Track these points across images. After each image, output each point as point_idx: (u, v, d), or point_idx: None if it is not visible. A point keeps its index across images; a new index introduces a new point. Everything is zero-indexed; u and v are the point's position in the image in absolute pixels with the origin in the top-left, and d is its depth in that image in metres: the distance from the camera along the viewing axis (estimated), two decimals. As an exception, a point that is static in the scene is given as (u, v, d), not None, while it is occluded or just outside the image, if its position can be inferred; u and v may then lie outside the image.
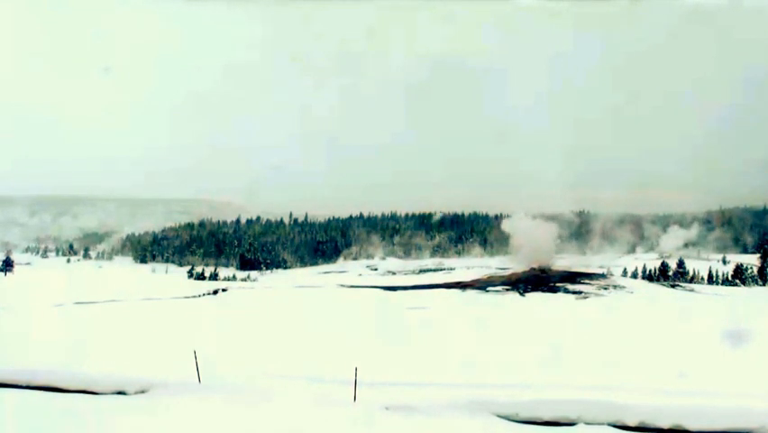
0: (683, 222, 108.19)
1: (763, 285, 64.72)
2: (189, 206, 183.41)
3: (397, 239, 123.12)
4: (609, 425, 12.67)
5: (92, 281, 63.93)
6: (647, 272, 77.91)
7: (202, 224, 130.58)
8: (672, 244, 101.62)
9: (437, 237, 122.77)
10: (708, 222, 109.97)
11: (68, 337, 23.49)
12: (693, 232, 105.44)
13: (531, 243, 69.44)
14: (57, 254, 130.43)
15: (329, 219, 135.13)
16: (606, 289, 51.27)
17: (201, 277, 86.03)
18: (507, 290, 52.22)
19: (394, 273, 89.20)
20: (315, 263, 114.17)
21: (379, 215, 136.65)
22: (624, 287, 53.20)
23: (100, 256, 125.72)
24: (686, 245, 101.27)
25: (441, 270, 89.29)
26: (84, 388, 14.81)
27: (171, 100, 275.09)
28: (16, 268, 77.97)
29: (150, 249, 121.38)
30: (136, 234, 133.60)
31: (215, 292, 56.07)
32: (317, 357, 20.33)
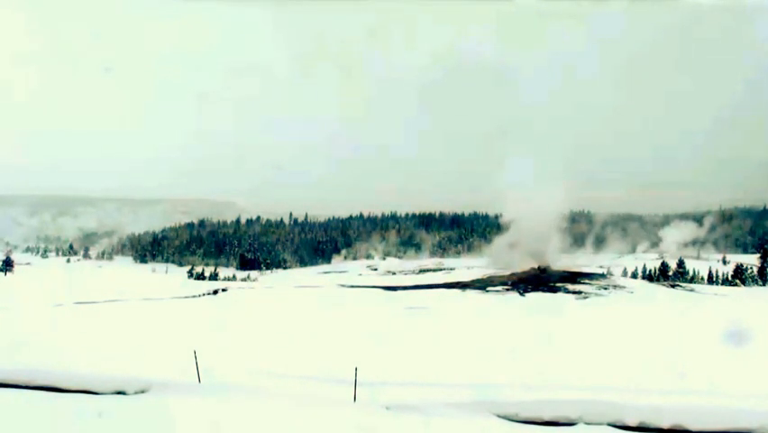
0: (684, 222, 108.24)
1: (763, 285, 64.73)
2: (189, 206, 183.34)
3: (397, 239, 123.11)
4: (609, 425, 12.65)
5: (92, 281, 63.93)
6: (647, 272, 77.88)
7: (202, 224, 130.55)
8: (672, 244, 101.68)
9: (437, 237, 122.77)
10: (707, 222, 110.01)
11: (68, 337, 23.49)
12: (693, 232, 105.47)
13: (532, 242, 69.46)
14: (57, 254, 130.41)
15: (329, 219, 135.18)
16: (606, 289, 51.25)
17: (201, 277, 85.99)
18: (507, 290, 52.21)
19: (394, 273, 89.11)
20: (315, 263, 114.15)
21: (380, 215, 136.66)
22: (624, 287, 53.18)
23: (100, 256, 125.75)
24: (686, 245, 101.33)
25: (441, 270, 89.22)
26: (84, 388, 14.76)
27: (171, 100, 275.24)
28: (16, 268, 77.99)
29: (150, 249, 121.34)
30: (136, 234, 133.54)
31: (215, 292, 56.04)
32: (317, 357, 20.34)
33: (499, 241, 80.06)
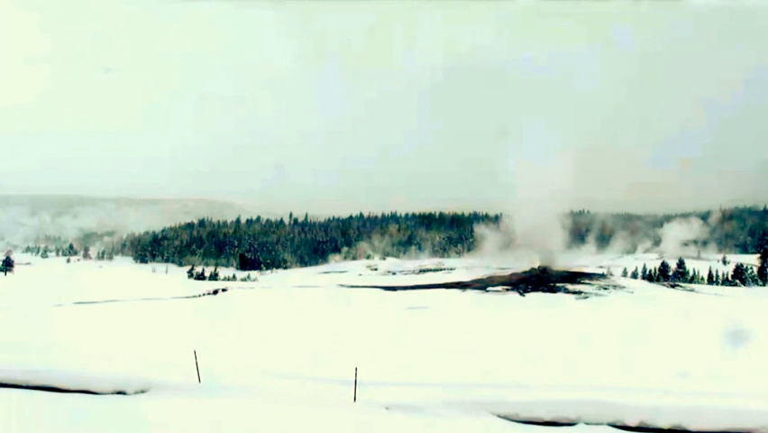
0: (684, 222, 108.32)
1: (763, 285, 64.73)
2: (189, 206, 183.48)
3: (397, 239, 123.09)
4: (609, 425, 12.66)
5: (92, 281, 63.91)
6: (647, 272, 77.87)
7: (202, 224, 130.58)
8: (672, 244, 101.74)
9: (437, 237, 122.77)
10: (708, 222, 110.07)
11: (68, 337, 23.48)
12: (693, 232, 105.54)
13: (531, 242, 69.40)
14: (57, 254, 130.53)
15: (329, 219, 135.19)
16: (606, 289, 51.22)
17: (201, 277, 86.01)
18: (507, 290, 52.18)
19: (394, 273, 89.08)
20: (315, 263, 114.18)
21: (380, 215, 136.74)
22: (624, 287, 53.13)
23: (100, 256, 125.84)
24: (686, 245, 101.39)
25: (441, 270, 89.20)
26: (84, 388, 14.79)
27: (172, 101, 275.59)
28: (16, 268, 77.94)
29: (150, 249, 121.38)
30: (136, 234, 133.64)
31: (215, 292, 56.03)
32: (317, 357, 20.32)
33: (499, 241, 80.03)
